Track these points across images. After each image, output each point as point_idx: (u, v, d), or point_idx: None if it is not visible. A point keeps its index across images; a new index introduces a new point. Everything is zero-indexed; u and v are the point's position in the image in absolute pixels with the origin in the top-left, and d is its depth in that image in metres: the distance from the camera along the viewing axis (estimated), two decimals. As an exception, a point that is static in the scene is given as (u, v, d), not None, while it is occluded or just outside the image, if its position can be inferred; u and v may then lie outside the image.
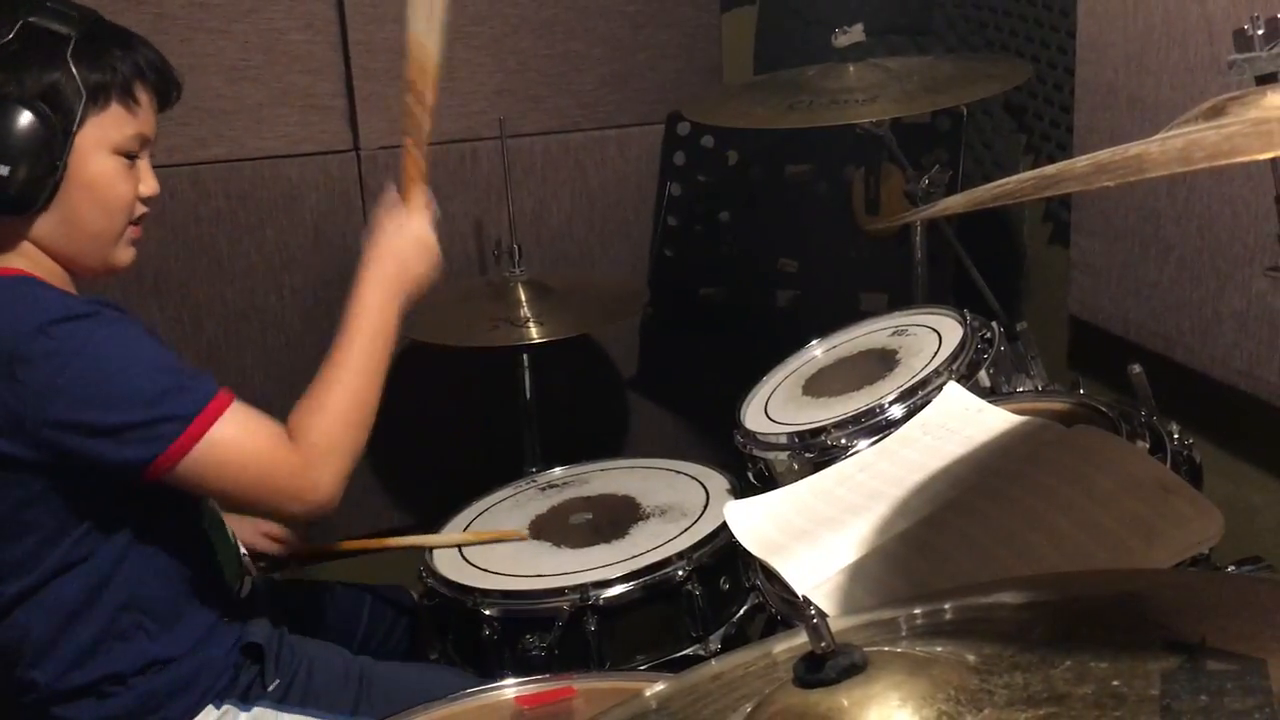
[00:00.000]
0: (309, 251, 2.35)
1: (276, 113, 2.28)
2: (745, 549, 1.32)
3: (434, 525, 1.84)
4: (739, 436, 1.69)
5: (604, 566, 1.61)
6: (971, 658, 0.63)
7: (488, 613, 1.59)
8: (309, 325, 2.38)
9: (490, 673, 1.56)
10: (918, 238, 2.03)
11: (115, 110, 1.33)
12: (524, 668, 1.52)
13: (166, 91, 1.41)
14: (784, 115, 1.90)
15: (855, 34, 1.93)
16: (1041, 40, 2.16)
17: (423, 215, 1.55)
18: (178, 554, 1.40)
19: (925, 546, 1.16)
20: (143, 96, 1.37)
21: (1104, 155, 0.74)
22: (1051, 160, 2.15)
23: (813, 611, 0.63)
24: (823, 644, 0.61)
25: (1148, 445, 1.25)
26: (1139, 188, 1.87)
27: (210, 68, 2.20)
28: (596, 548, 1.68)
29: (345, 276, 2.48)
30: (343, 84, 2.31)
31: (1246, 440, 1.79)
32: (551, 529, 1.76)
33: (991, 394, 1.53)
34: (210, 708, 1.41)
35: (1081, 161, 0.76)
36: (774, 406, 1.73)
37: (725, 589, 1.64)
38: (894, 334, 1.77)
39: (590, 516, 1.78)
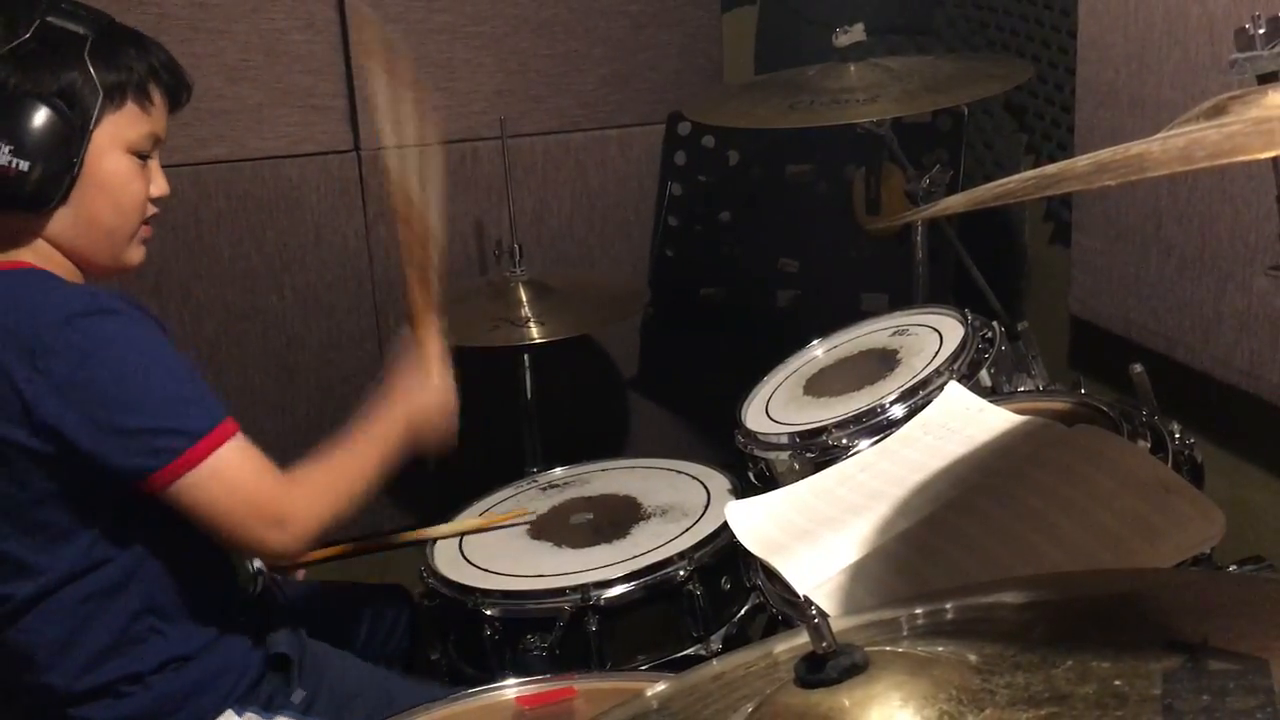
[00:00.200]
0: (309, 251, 2.35)
1: (277, 113, 2.28)
2: (746, 549, 1.32)
3: (434, 525, 1.84)
4: (740, 436, 1.69)
5: (605, 566, 1.61)
6: (973, 657, 0.63)
7: (489, 613, 1.59)
8: (309, 325, 2.38)
9: (491, 673, 1.56)
10: (919, 237, 2.03)
11: (130, 109, 1.35)
12: (525, 668, 1.52)
13: (178, 92, 1.42)
14: (785, 115, 1.90)
15: (856, 33, 1.93)
16: (1042, 40, 2.16)
17: (441, 365, 1.54)
18: (193, 557, 1.40)
19: (926, 546, 1.16)
20: (156, 97, 1.38)
21: (1105, 154, 0.74)
22: (1052, 160, 2.15)
23: (814, 611, 0.63)
24: (824, 644, 0.61)
25: (1149, 445, 1.25)
26: (1140, 187, 1.87)
27: (211, 68, 2.21)
28: (597, 548, 1.68)
29: (346, 276, 2.47)
30: (343, 84, 2.31)
31: (1248, 440, 1.79)
32: (552, 529, 1.76)
33: (992, 394, 1.52)
34: (230, 712, 1.40)
35: (1083, 161, 0.76)
36: (775, 406, 1.73)
37: (726, 589, 1.64)
38: (895, 334, 1.77)
39: (591, 516, 1.78)
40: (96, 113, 1.31)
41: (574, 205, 2.52)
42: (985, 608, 0.77)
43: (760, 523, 1.35)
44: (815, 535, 1.27)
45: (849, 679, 0.61)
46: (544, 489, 1.91)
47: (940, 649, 0.66)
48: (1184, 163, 0.73)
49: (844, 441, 1.53)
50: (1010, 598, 0.78)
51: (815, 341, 1.86)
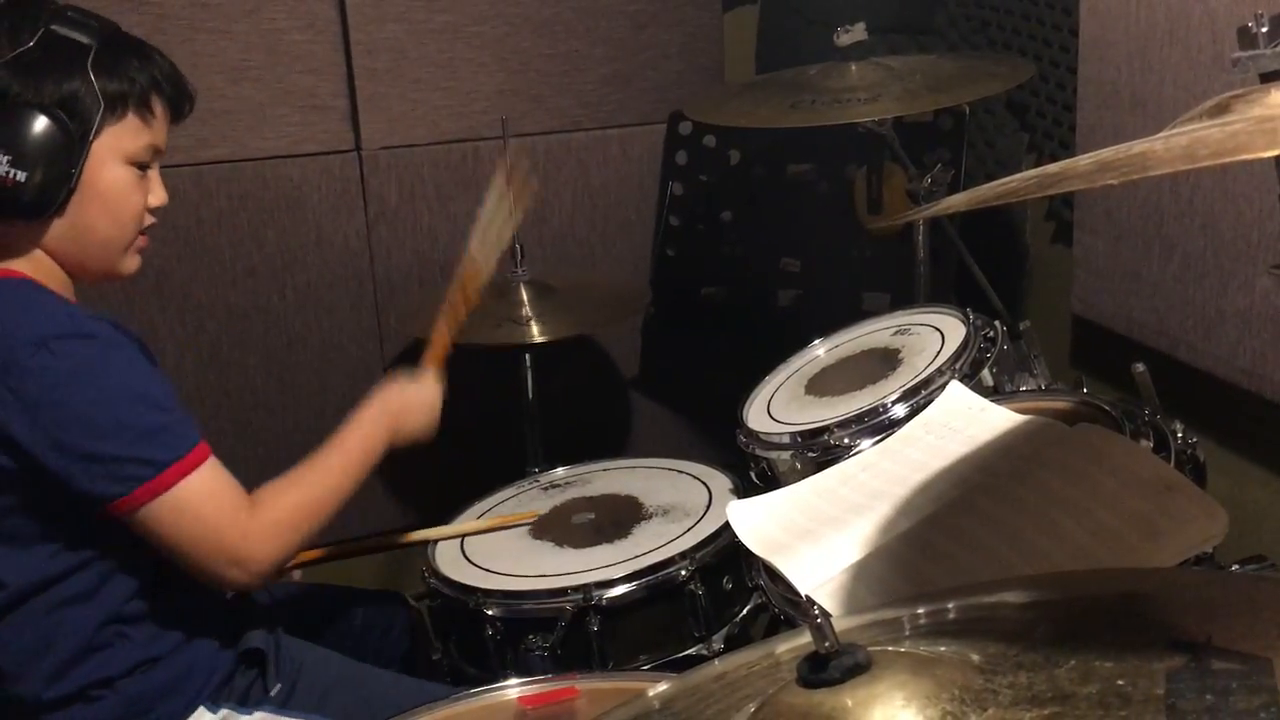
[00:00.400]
0: (310, 251, 2.35)
1: (278, 113, 2.28)
2: (748, 549, 1.32)
3: (435, 526, 1.83)
4: (741, 436, 1.69)
5: (607, 566, 1.61)
6: (976, 657, 0.63)
7: (490, 613, 1.59)
8: (310, 325, 2.38)
9: (493, 673, 1.56)
10: (920, 237, 2.03)
11: (131, 121, 1.34)
12: (527, 668, 1.52)
13: (180, 104, 1.42)
14: (786, 114, 1.90)
15: (857, 33, 1.93)
16: (1044, 39, 2.16)
17: (435, 382, 1.62)
18: (160, 565, 1.38)
19: (928, 546, 1.16)
20: (158, 108, 1.38)
21: (1107, 153, 0.74)
22: (1054, 159, 2.15)
23: (816, 611, 0.63)
24: (826, 644, 0.61)
25: (1151, 444, 1.25)
26: (1142, 186, 1.87)
27: (212, 68, 2.20)
28: (599, 548, 1.67)
29: (346, 276, 2.47)
30: (344, 84, 2.31)
31: (1250, 439, 1.79)
32: (554, 529, 1.76)
33: (994, 393, 1.52)
34: (203, 709, 1.40)
35: (1084, 160, 0.76)
36: (776, 406, 1.73)
37: (728, 589, 1.64)
38: (896, 333, 1.77)
39: (593, 516, 1.78)
40: (97, 123, 1.31)
41: (575, 205, 2.52)
42: (988, 607, 0.76)
43: (762, 522, 1.35)
44: (817, 535, 1.27)
45: (851, 679, 0.60)
46: (545, 489, 1.91)
47: (943, 649, 0.66)
48: (1186, 162, 0.72)
49: (846, 441, 1.53)
50: (1013, 597, 0.78)
51: (817, 341, 1.86)
